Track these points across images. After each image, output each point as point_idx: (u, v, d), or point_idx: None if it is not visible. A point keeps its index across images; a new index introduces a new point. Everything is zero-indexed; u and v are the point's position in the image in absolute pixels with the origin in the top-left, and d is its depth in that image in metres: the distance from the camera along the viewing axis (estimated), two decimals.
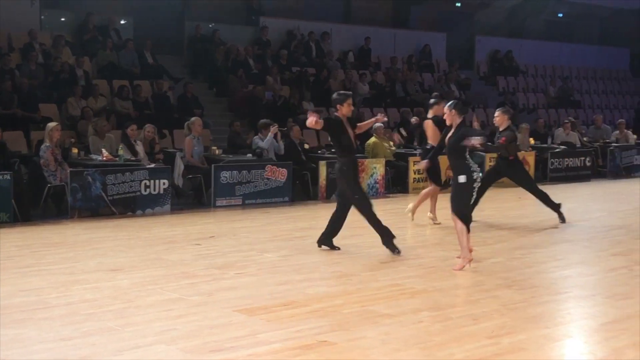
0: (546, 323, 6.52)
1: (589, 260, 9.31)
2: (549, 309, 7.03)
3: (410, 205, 11.92)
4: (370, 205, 9.20)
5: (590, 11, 28.72)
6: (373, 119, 10.29)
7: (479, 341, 5.89)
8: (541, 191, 12.13)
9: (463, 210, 8.43)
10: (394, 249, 9.16)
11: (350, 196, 9.17)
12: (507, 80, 25.32)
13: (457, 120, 8.63)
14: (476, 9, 26.70)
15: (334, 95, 9.37)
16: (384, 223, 9.30)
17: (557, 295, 7.57)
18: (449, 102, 9.10)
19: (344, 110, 9.12)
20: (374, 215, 9.19)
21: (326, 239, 9.43)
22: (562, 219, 11.92)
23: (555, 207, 12.02)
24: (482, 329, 6.20)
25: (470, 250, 8.47)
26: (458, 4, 26.38)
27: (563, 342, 6.11)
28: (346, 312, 6.67)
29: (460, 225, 8.34)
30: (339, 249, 9.38)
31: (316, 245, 9.49)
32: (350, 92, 9.89)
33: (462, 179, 8.42)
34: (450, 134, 8.71)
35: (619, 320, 6.50)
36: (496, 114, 11.44)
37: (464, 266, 8.38)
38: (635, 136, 21.04)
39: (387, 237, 9.23)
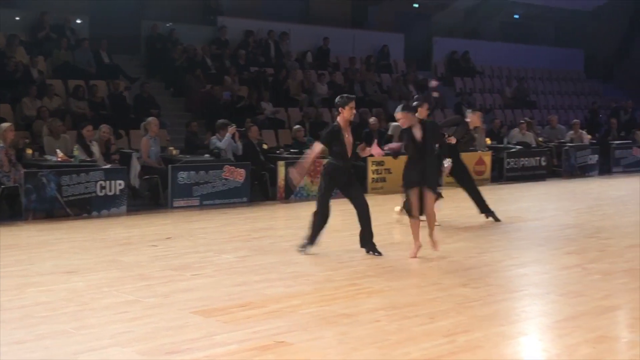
0: (501, 321, 6.58)
1: (543, 258, 9.42)
2: (504, 307, 7.09)
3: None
4: (322, 216, 9.20)
5: (545, 13, 29.11)
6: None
7: (435, 340, 5.93)
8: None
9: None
10: (303, 250, 9.21)
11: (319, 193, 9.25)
12: (464, 81, 25.54)
13: (414, 119, 8.75)
14: (433, 10, 26.90)
15: (337, 99, 9.17)
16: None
17: (513, 293, 7.65)
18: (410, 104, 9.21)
19: (346, 114, 8.96)
20: (321, 223, 9.21)
21: (368, 243, 9.26)
22: (496, 218, 12.05)
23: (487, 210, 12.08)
24: (438, 328, 6.24)
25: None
26: (416, 5, 26.55)
27: (518, 339, 6.18)
28: (304, 312, 6.67)
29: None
30: (380, 254, 9.19)
31: (275, 245, 9.44)
32: (353, 96, 9.38)
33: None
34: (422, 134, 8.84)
35: (572, 318, 6.59)
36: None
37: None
38: (589, 136, 21.37)
39: (311, 239, 9.24)
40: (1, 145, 11.70)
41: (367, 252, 9.21)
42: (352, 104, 8.98)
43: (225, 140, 14.10)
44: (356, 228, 11.89)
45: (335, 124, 9.13)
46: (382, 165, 16.02)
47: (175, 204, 13.07)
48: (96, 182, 12.10)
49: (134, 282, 7.74)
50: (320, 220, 9.17)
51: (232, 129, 14.12)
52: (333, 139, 8.99)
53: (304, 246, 9.22)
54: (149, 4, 20.19)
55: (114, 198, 12.28)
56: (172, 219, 12.34)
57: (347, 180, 9.27)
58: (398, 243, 10.19)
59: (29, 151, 12.71)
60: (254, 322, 6.33)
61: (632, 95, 27.41)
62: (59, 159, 12.38)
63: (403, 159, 9.68)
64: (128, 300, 7.02)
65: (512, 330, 6.35)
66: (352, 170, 9.42)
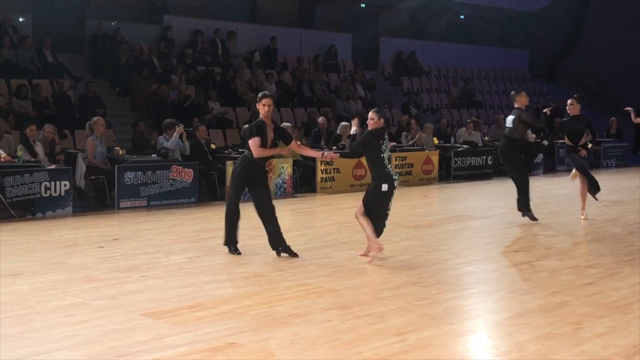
0: (451, 319, 6.63)
1: (491, 256, 9.52)
2: (454, 305, 7.15)
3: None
4: (231, 211, 9.14)
5: (490, 14, 29.50)
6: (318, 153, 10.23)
7: (386, 338, 5.94)
8: None
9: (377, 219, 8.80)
10: (232, 250, 9.17)
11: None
12: (411, 81, 25.73)
13: (381, 125, 8.84)
14: (380, 10, 27.04)
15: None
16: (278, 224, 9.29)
17: (462, 291, 7.71)
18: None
19: (260, 110, 8.93)
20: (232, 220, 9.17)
21: (282, 243, 9.17)
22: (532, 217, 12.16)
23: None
24: (389, 327, 6.25)
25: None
26: (363, 5, 26.65)
27: (467, 337, 6.22)
28: (254, 313, 6.62)
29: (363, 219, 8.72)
30: (296, 255, 9.11)
31: (223, 247, 9.35)
32: (267, 92, 9.33)
33: (384, 187, 8.69)
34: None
35: (521, 315, 6.66)
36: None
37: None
38: (534, 135, 21.66)
39: (227, 239, 9.20)
40: None
41: (279, 252, 9.11)
42: (266, 100, 8.91)
43: (173, 140, 13.95)
44: (304, 227, 11.93)
45: (259, 119, 9.02)
46: (331, 164, 16.03)
47: (122, 204, 12.89)
48: (40, 183, 11.86)
49: (80, 284, 7.60)
50: (232, 218, 9.13)
51: (179, 128, 13.98)
52: (260, 133, 8.89)
53: (228, 248, 9.17)
54: (94, 2, 19.88)
55: (59, 199, 12.06)
56: (119, 220, 12.17)
57: (260, 177, 9.15)
58: (347, 242, 10.19)
59: None
60: (204, 324, 6.26)
61: (575, 94, 27.89)
62: (2, 160, 12.09)
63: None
64: (75, 303, 6.89)
65: (462, 328, 6.39)
66: (263, 169, 9.26)
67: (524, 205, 11.96)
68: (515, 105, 11.92)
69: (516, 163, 12.00)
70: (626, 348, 5.77)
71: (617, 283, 7.88)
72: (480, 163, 19.47)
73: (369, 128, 8.90)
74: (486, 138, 20.80)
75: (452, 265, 8.86)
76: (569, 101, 12.25)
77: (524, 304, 7.02)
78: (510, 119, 11.87)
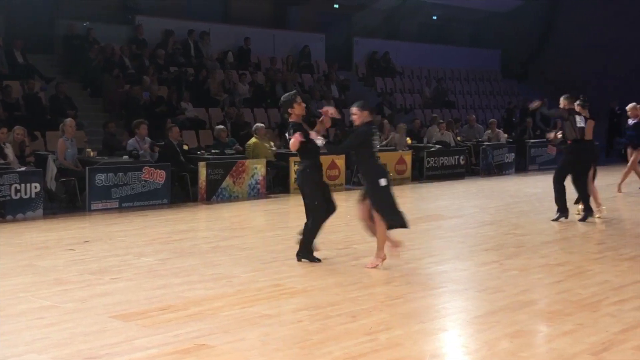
0: (422, 318, 6.67)
1: (462, 255, 9.59)
2: (424, 304, 7.19)
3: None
4: (321, 218, 8.82)
5: (463, 14, 29.66)
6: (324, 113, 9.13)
7: (357, 338, 5.95)
8: None
9: (389, 213, 8.50)
10: (312, 259, 8.86)
11: (309, 201, 8.81)
12: (385, 81, 25.80)
13: (368, 118, 8.57)
14: (354, 10, 27.09)
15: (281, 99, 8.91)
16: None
17: (433, 290, 7.75)
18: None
19: (297, 111, 8.69)
20: (317, 228, 8.83)
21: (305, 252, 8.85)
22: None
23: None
24: (360, 326, 6.27)
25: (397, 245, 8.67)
26: (336, 6, 26.68)
27: (438, 336, 6.26)
28: (225, 314, 6.62)
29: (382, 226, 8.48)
30: (319, 260, 8.85)
31: (196, 247, 9.37)
32: (295, 91, 9.22)
33: (383, 182, 8.51)
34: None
35: (491, 313, 6.71)
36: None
37: (377, 265, 8.55)
38: (506, 135, 21.87)
39: (304, 250, 8.88)
40: None
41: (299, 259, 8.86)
42: (299, 99, 8.76)
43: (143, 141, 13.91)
44: (277, 227, 11.94)
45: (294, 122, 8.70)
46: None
47: (93, 206, 12.81)
48: (10, 185, 11.76)
49: (50, 287, 7.56)
50: (317, 223, 8.85)
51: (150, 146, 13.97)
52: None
53: (309, 258, 8.84)
54: (65, 2, 19.72)
55: (29, 201, 11.96)
56: (90, 222, 12.09)
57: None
58: (320, 242, 10.17)
59: None
60: (174, 326, 6.24)
61: (546, 94, 28.15)
62: None
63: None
64: (44, 305, 6.84)
65: (432, 327, 6.43)
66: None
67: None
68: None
69: None
70: (594, 345, 5.83)
71: (586, 281, 7.97)
72: (453, 163, 19.57)
73: (355, 124, 8.63)
74: (458, 138, 20.92)
75: (423, 265, 8.90)
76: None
77: (494, 303, 7.08)
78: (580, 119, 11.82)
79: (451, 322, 6.61)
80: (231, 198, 14.66)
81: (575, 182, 11.95)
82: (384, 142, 18.70)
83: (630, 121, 15.96)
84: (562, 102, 11.94)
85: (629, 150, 16.12)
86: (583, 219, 11.89)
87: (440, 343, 6.11)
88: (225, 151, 15.30)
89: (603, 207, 12.49)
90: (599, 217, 12.23)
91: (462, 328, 6.46)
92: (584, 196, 11.99)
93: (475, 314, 6.79)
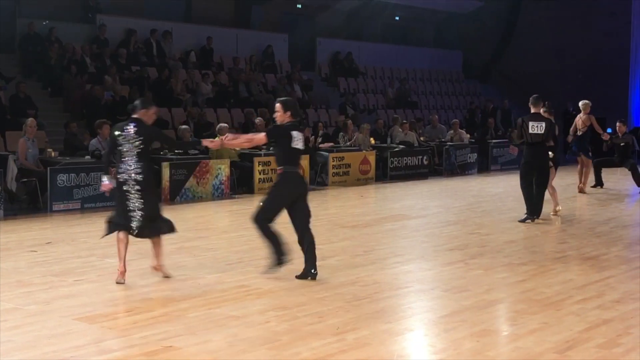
0: (388, 318, 6.70)
1: (427, 255, 9.64)
2: (391, 303, 7.22)
3: None
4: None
5: (425, 15, 29.82)
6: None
7: (324, 338, 5.96)
8: None
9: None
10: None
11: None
12: (348, 82, 25.84)
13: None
14: (317, 11, 27.09)
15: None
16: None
17: (399, 290, 7.79)
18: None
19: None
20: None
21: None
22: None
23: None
24: (327, 327, 6.28)
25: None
26: (299, 6, 26.67)
27: (404, 335, 6.30)
28: (192, 315, 6.58)
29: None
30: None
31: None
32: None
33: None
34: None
35: (457, 313, 6.76)
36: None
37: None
38: (468, 135, 22.04)
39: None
40: None
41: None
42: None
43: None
44: (242, 228, 11.89)
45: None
46: (269, 165, 16.00)
47: (55, 207, 12.64)
48: None
49: (12, 289, 7.44)
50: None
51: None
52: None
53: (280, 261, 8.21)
54: (25, 1, 19.45)
55: None
56: (52, 223, 11.93)
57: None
58: (285, 243, 10.15)
59: None
60: (140, 327, 6.20)
61: (507, 95, 28.47)
62: None
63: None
64: (7, 308, 6.74)
65: (398, 327, 6.46)
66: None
67: None
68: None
69: None
70: (559, 344, 5.90)
71: (549, 280, 8.06)
72: (416, 163, 19.68)
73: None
74: (422, 138, 21.04)
75: (389, 265, 8.93)
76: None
77: (459, 302, 7.13)
78: None
79: (417, 322, 6.65)
80: (195, 198, 14.58)
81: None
82: (348, 143, 18.76)
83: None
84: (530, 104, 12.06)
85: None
86: (523, 220, 11.93)
87: (407, 343, 6.15)
88: (189, 152, 15.20)
89: (559, 208, 12.70)
90: (553, 215, 12.53)
91: (428, 328, 6.50)
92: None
93: (441, 313, 6.84)
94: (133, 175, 7.74)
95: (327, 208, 14.56)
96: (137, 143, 7.77)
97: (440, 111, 26.90)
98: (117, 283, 7.70)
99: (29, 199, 13.13)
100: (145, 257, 8.97)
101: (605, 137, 16.57)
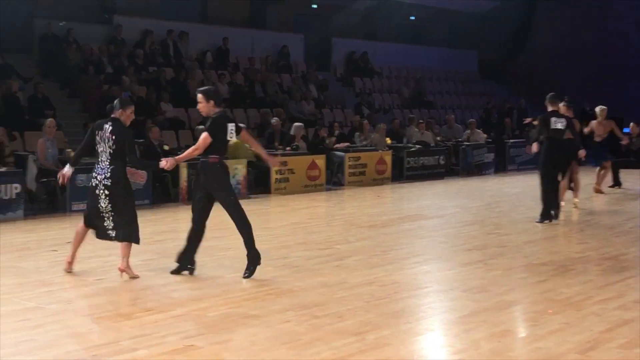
0: (408, 318, 6.70)
1: (446, 255, 9.63)
2: (410, 304, 7.22)
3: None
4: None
5: (440, 15, 29.76)
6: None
7: (344, 338, 5.97)
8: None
9: None
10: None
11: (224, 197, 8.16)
12: (364, 82, 25.84)
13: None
14: (332, 10, 27.10)
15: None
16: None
17: (418, 290, 7.79)
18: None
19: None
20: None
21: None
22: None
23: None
24: (347, 326, 6.29)
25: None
26: (314, 6, 26.68)
27: (424, 336, 6.30)
28: (212, 315, 6.60)
29: None
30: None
31: (179, 248, 9.25)
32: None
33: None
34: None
35: (476, 313, 6.75)
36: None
37: None
38: (485, 135, 21.98)
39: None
40: None
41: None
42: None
43: None
44: (260, 228, 11.90)
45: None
46: (285, 165, 16.03)
47: (75, 207, 12.69)
48: None
49: (34, 288, 7.50)
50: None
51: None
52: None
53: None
54: (43, 2, 19.57)
55: (9, 202, 11.85)
56: (71, 222, 11.95)
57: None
58: (303, 243, 10.21)
59: None
60: (161, 327, 6.22)
61: (523, 95, 28.36)
62: None
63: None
64: (29, 307, 6.79)
65: (418, 327, 6.46)
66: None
67: None
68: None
69: None
70: (580, 344, 5.88)
71: (569, 280, 8.03)
72: (433, 163, 19.65)
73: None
74: (438, 138, 21.00)
75: (407, 265, 8.93)
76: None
77: (479, 302, 7.12)
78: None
79: (437, 322, 6.65)
80: None
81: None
82: (364, 142, 18.76)
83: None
84: (547, 103, 11.98)
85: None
86: (541, 220, 11.85)
87: (427, 343, 6.14)
88: None
89: (563, 203, 12.68)
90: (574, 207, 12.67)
91: (448, 328, 6.49)
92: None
93: (461, 313, 6.82)
94: (103, 180, 7.83)
95: (343, 208, 14.59)
96: (110, 143, 7.85)
97: (456, 111, 26.84)
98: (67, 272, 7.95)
99: (49, 198, 13.20)
100: (165, 256, 9.04)
101: (626, 141, 16.54)
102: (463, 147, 20.67)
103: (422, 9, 28.76)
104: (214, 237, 10.49)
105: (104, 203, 7.84)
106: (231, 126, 8.00)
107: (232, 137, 8.00)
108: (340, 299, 7.18)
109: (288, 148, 16.62)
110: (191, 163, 14.30)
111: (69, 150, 14.02)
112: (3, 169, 12.11)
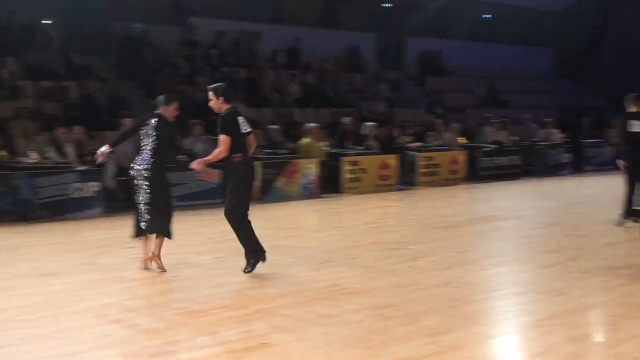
0: (483, 320, 6.60)
1: (522, 257, 9.46)
2: (485, 306, 7.11)
3: None
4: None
5: (515, 13, 29.30)
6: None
7: (419, 340, 5.91)
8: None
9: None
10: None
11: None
12: (436, 81, 25.61)
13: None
14: (405, 9, 26.95)
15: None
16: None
17: (493, 292, 7.67)
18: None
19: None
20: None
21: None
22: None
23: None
24: (421, 328, 6.23)
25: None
26: (387, 5, 26.58)
27: (499, 338, 6.19)
28: (286, 313, 6.62)
29: None
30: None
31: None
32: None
33: None
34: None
35: (555, 316, 6.61)
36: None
37: None
38: (561, 135, 21.56)
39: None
40: None
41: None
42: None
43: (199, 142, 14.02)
44: (332, 227, 11.93)
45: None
46: (357, 165, 16.02)
47: None
48: (71, 184, 11.96)
49: (112, 284, 7.66)
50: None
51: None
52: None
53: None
54: (119, 4, 20.00)
55: (89, 200, 12.15)
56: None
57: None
58: (375, 242, 10.17)
59: (2, 153, 12.52)
60: (236, 324, 6.28)
61: (601, 94, 27.71)
62: (33, 161, 12.22)
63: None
64: (107, 302, 6.93)
65: (494, 330, 6.36)
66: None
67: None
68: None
69: None
70: None
71: None
72: (507, 163, 19.35)
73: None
74: (513, 138, 20.67)
75: (482, 266, 8.80)
76: None
77: (558, 305, 6.96)
78: None
79: (513, 325, 6.53)
80: (284, 197, 14.71)
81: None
82: (436, 142, 18.59)
83: None
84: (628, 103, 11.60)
85: None
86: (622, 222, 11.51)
87: (503, 346, 6.04)
88: (278, 151, 15.35)
89: None
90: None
91: (524, 331, 6.37)
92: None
93: (538, 316, 6.68)
94: (142, 171, 8.02)
95: (416, 208, 14.49)
96: (153, 138, 8.04)
97: (531, 110, 26.34)
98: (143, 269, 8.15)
99: (127, 196, 13.44)
100: (238, 254, 9.07)
101: None
102: (539, 147, 20.30)
103: (497, 6, 28.36)
104: (289, 235, 10.61)
105: (142, 195, 8.05)
106: (242, 119, 8.06)
107: (246, 130, 8.02)
108: (414, 300, 7.12)
109: (360, 147, 16.60)
110: (263, 162, 14.48)
111: None
112: (82, 168, 12.41)
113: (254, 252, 8.16)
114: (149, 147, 8.05)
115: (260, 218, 13.14)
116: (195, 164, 8.03)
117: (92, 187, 12.19)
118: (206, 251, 9.44)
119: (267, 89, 19.83)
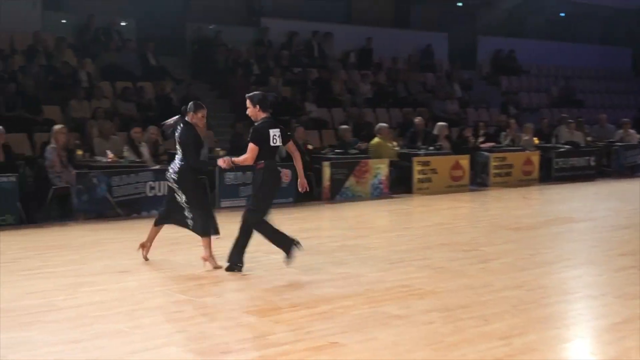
0: (556, 323, 6.48)
1: (597, 260, 9.26)
2: (559, 309, 6.98)
3: None
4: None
5: (592, 11, 28.68)
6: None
7: (490, 342, 5.84)
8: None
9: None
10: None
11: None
12: (510, 80, 25.27)
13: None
14: (477, 8, 26.66)
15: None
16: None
17: (567, 295, 7.52)
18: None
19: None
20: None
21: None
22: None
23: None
24: (493, 330, 6.15)
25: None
26: (459, 4, 26.34)
27: (574, 342, 6.08)
28: (355, 313, 6.63)
29: None
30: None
31: (323, 246, 9.39)
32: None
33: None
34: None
35: (630, 320, 6.45)
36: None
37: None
38: (639, 135, 21.01)
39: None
40: (53, 146, 11.87)
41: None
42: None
43: None
44: (402, 227, 11.88)
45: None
46: (428, 165, 15.91)
47: (223, 204, 13.12)
48: (146, 182, 12.20)
49: (185, 281, 7.79)
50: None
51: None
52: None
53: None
54: (193, 5, 20.32)
55: (163, 198, 12.28)
56: (220, 219, 12.19)
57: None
58: (446, 244, 10.08)
59: (80, 152, 12.86)
60: (306, 323, 6.30)
61: None
62: (109, 160, 12.52)
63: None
64: (181, 299, 7.06)
65: (568, 333, 6.25)
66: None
67: None
68: None
69: None
70: None
71: None
72: (583, 164, 18.95)
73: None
74: (589, 138, 20.24)
75: (556, 269, 8.65)
76: None
77: (633, 309, 6.79)
78: None
79: (587, 329, 6.39)
80: (354, 197, 14.71)
81: None
82: (509, 142, 18.33)
83: None
84: None
85: None
86: None
87: (577, 350, 5.92)
88: (349, 151, 15.37)
89: None
90: None
91: (599, 335, 6.23)
92: None
93: (613, 320, 6.53)
94: (172, 175, 8.35)
95: (488, 209, 14.32)
96: (178, 145, 8.37)
97: (607, 110, 25.77)
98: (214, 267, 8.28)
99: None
100: (309, 254, 9.15)
101: None
102: (615, 147, 19.82)
103: (572, 4, 27.81)
104: (359, 236, 10.60)
105: (179, 197, 8.38)
106: (274, 132, 8.18)
107: (275, 143, 8.21)
108: (486, 302, 7.04)
109: (431, 147, 16.49)
110: (334, 162, 14.52)
111: (219, 149, 14.51)
112: (157, 167, 12.65)
113: (283, 244, 8.28)
114: (179, 152, 8.38)
115: (331, 218, 13.24)
116: (221, 162, 8.32)
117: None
118: (276, 250, 9.45)
119: (339, 89, 19.87)
